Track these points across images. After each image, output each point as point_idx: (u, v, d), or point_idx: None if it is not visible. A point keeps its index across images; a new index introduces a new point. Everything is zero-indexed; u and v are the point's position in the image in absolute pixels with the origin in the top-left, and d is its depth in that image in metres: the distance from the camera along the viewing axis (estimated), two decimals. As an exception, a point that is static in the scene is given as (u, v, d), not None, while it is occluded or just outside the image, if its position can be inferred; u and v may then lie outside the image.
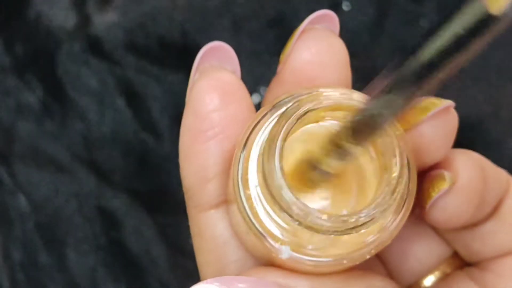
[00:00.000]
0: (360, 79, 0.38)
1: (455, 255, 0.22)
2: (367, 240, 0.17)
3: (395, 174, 0.16)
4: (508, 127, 0.37)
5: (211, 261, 0.20)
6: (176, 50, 0.38)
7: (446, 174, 0.18)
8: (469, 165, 0.19)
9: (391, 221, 0.17)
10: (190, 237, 0.37)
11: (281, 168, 0.16)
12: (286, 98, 0.18)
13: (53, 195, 0.38)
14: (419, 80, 0.13)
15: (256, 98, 0.38)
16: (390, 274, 0.22)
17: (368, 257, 0.17)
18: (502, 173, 0.19)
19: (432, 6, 0.38)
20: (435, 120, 0.18)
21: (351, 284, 0.17)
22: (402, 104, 0.14)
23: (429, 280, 0.21)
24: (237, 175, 0.17)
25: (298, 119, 0.17)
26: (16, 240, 0.38)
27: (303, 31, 0.18)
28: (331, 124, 0.18)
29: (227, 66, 0.20)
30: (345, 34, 0.38)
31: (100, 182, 0.38)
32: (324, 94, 0.17)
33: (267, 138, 0.17)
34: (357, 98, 0.17)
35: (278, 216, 0.17)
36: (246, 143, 0.18)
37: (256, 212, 0.17)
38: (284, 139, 0.16)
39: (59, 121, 0.38)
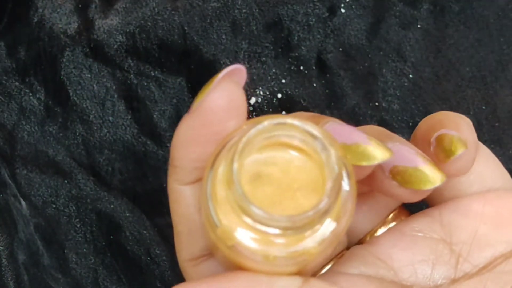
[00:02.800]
0: (356, 81, 0.38)
1: (400, 209, 0.26)
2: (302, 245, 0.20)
3: (330, 185, 0.19)
4: (506, 127, 0.37)
5: (182, 222, 0.24)
6: (177, 53, 0.39)
7: (462, 138, 0.22)
8: (470, 130, 0.23)
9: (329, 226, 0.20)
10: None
11: (239, 184, 0.19)
12: (239, 130, 0.21)
13: (53, 198, 0.38)
14: None
15: (253, 99, 0.38)
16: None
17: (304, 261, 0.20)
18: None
19: (428, 10, 0.38)
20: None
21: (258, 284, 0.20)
22: None
23: (381, 231, 0.25)
24: (206, 191, 0.20)
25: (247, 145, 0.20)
26: (19, 241, 0.38)
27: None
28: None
29: (234, 78, 0.22)
30: (341, 37, 0.38)
31: (100, 185, 0.38)
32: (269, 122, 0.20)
33: (228, 161, 0.20)
34: (305, 126, 0.20)
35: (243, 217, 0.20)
36: (214, 163, 0.21)
37: (218, 215, 0.20)
38: (240, 157, 0.20)
39: (61, 125, 0.39)
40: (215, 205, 0.20)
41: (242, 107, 0.22)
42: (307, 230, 0.19)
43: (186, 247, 0.24)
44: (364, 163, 0.21)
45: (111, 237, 0.38)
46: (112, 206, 0.38)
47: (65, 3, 0.40)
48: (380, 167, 0.22)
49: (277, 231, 0.19)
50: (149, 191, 0.38)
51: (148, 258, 0.37)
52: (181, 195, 0.24)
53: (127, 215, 0.38)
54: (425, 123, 0.25)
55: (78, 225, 0.38)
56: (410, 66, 0.38)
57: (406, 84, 0.38)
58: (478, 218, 0.23)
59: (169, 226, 0.38)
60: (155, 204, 0.38)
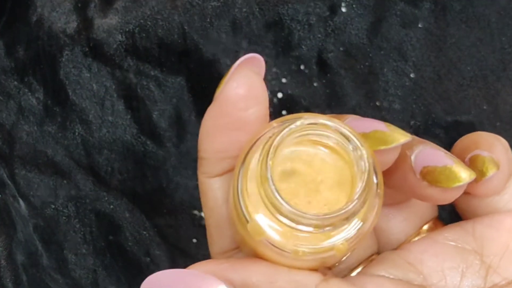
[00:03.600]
0: (357, 81, 0.38)
1: (435, 220, 0.27)
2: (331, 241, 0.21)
3: (362, 184, 0.20)
4: (507, 127, 0.37)
5: (211, 215, 0.24)
6: (176, 53, 0.39)
7: (494, 159, 0.24)
8: (504, 151, 0.24)
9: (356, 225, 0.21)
10: (190, 237, 0.37)
11: (273, 182, 0.20)
12: (269, 128, 0.22)
13: (52, 198, 0.38)
14: None
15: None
16: (378, 237, 0.26)
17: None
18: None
19: (429, 9, 0.38)
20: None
21: (278, 278, 0.21)
22: None
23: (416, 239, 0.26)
24: (237, 187, 0.21)
25: (281, 141, 0.21)
26: (18, 242, 0.38)
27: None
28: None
29: (254, 68, 0.23)
30: (342, 36, 0.38)
31: (99, 185, 0.38)
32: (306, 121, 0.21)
33: (261, 157, 0.20)
34: (335, 124, 0.21)
35: (273, 217, 0.20)
36: (245, 159, 0.21)
37: (249, 211, 0.21)
38: (274, 151, 0.20)
39: (60, 124, 0.39)
40: (245, 200, 0.21)
41: (262, 95, 0.22)
42: (336, 228, 0.20)
43: (216, 240, 0.25)
44: (383, 147, 0.22)
45: (111, 237, 0.38)
46: (111, 207, 0.38)
47: (64, 2, 0.40)
48: (411, 169, 0.23)
49: (308, 228, 0.20)
50: (148, 191, 0.38)
51: (148, 259, 0.37)
52: (209, 188, 0.24)
53: (127, 215, 0.38)
54: (461, 143, 0.26)
55: (78, 226, 0.38)
56: (411, 65, 0.38)
57: (407, 83, 0.37)
58: (510, 233, 0.24)
59: (169, 226, 0.38)
60: (155, 204, 0.38)
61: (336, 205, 0.21)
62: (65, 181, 0.38)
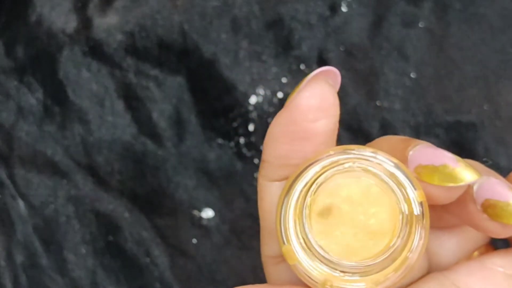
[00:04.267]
0: (358, 80, 0.38)
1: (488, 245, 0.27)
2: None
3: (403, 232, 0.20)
4: (509, 127, 0.37)
5: (266, 218, 0.24)
6: (176, 52, 0.38)
7: None
8: None
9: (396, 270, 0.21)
10: (189, 238, 0.37)
11: (311, 231, 0.20)
12: (325, 154, 0.22)
13: (51, 198, 0.38)
14: None
15: (253, 98, 0.38)
16: (430, 258, 0.26)
17: None
18: None
19: (430, 8, 0.38)
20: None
21: None
22: None
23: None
24: (281, 206, 0.21)
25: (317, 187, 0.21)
26: (18, 242, 0.38)
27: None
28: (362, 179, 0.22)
29: (329, 80, 0.23)
30: (343, 35, 0.38)
31: (99, 186, 0.38)
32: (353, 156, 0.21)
33: (297, 203, 0.21)
34: (386, 161, 0.21)
35: (312, 263, 0.21)
36: (290, 189, 0.21)
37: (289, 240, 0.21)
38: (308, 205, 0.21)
39: (59, 124, 0.39)
40: (286, 223, 0.21)
41: (333, 108, 0.22)
42: (369, 275, 0.20)
43: (268, 243, 0.25)
44: (451, 184, 0.21)
45: (110, 237, 0.38)
46: (111, 207, 0.38)
47: (64, 1, 0.40)
48: (472, 199, 0.23)
49: (335, 272, 0.20)
50: (148, 192, 0.38)
51: (148, 259, 0.37)
52: (267, 191, 0.24)
53: (126, 215, 0.38)
54: None
55: (77, 226, 0.38)
56: (411, 65, 0.37)
57: (408, 83, 0.37)
58: None
59: (169, 226, 0.38)
60: (154, 204, 0.38)
61: (373, 250, 0.21)
62: (64, 181, 0.38)
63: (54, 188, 0.38)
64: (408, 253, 0.21)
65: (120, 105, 0.38)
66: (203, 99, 0.38)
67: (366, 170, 0.21)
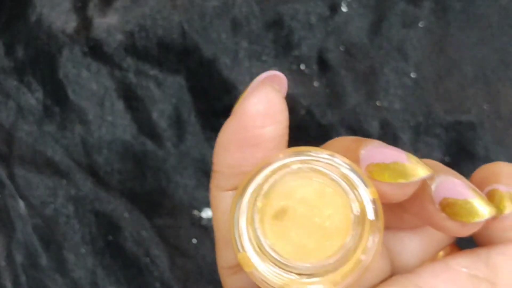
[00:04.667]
0: (357, 80, 0.38)
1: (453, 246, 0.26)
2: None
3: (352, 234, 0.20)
4: (508, 126, 0.37)
5: (219, 228, 0.24)
6: (176, 52, 0.38)
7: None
8: None
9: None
10: (189, 237, 0.37)
11: (265, 237, 0.20)
12: (279, 157, 0.22)
13: (51, 198, 0.38)
14: None
15: (254, 98, 0.38)
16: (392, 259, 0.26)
17: None
18: None
19: (430, 8, 0.38)
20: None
21: None
22: None
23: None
24: (233, 214, 0.21)
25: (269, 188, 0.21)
26: (17, 242, 0.38)
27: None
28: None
29: (276, 86, 0.23)
30: (343, 35, 0.38)
31: (99, 185, 0.38)
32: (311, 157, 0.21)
33: (248, 205, 0.21)
34: (339, 162, 0.21)
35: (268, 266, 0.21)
36: (241, 195, 0.21)
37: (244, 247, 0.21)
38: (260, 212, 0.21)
39: (59, 124, 0.39)
40: (239, 231, 0.21)
41: (281, 114, 0.22)
42: (325, 275, 0.20)
43: (224, 254, 0.24)
44: (402, 181, 0.21)
45: (110, 237, 0.38)
46: (111, 207, 0.38)
47: (64, 2, 0.40)
48: (430, 199, 0.23)
49: (290, 275, 0.20)
50: (148, 192, 0.38)
51: (147, 259, 0.37)
52: (220, 201, 0.24)
53: (126, 215, 0.38)
54: (480, 173, 0.26)
55: (77, 226, 0.38)
56: (411, 65, 0.37)
57: (407, 83, 0.37)
58: None
59: (169, 227, 0.38)
60: (154, 204, 0.38)
61: (330, 250, 0.21)
62: (64, 181, 0.38)
63: (54, 188, 0.38)
64: (362, 254, 0.21)
65: (120, 105, 0.38)
66: (203, 99, 0.38)
67: (316, 171, 0.21)
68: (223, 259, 0.24)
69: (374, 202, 0.21)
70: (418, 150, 0.37)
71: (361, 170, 0.21)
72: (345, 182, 0.21)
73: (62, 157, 0.38)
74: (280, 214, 0.21)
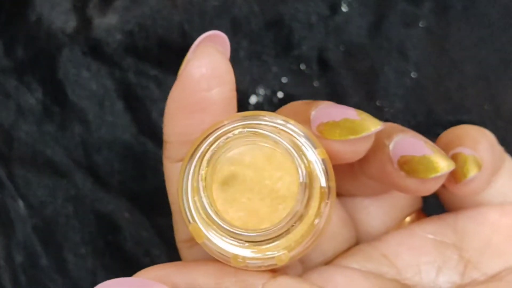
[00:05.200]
0: (358, 80, 0.38)
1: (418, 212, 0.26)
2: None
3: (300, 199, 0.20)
4: (509, 126, 0.37)
5: (174, 201, 0.24)
6: (176, 52, 0.38)
7: (477, 158, 0.22)
8: (489, 149, 0.23)
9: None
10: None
11: (208, 200, 0.20)
12: (227, 122, 0.21)
13: (51, 198, 0.38)
14: None
15: (253, 98, 0.38)
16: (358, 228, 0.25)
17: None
18: (501, 149, 0.24)
19: (430, 8, 0.38)
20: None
21: (225, 279, 0.21)
22: None
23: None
24: (181, 184, 0.21)
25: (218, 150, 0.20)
26: (17, 242, 0.38)
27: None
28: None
29: (219, 48, 0.22)
30: (343, 35, 0.38)
31: (99, 186, 0.38)
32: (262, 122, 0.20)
33: (195, 168, 0.20)
34: (289, 126, 0.20)
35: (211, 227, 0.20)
36: (191, 157, 0.21)
37: (194, 217, 0.21)
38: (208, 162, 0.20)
39: (59, 124, 0.39)
40: (187, 202, 0.20)
41: (226, 75, 0.21)
42: (275, 241, 0.20)
43: (179, 227, 0.24)
44: (352, 137, 0.21)
45: (110, 237, 0.38)
46: (111, 207, 0.38)
47: (63, 1, 0.40)
48: (389, 159, 0.22)
49: (243, 243, 0.20)
50: (148, 192, 0.38)
51: (148, 259, 0.37)
52: (172, 173, 0.23)
53: (126, 215, 0.38)
54: (445, 137, 0.25)
55: (77, 226, 0.38)
56: (412, 65, 0.37)
57: (408, 83, 0.37)
58: (493, 227, 0.23)
59: (169, 227, 0.38)
60: (154, 204, 0.38)
61: (283, 214, 0.20)
62: (64, 181, 0.38)
63: (53, 188, 0.38)
64: (315, 218, 0.20)
65: (120, 105, 0.38)
66: (203, 99, 0.38)
67: (262, 135, 0.20)
68: (180, 232, 0.24)
69: (323, 162, 0.20)
70: (419, 150, 0.37)
71: (311, 132, 0.20)
72: (292, 144, 0.20)
73: (62, 157, 0.38)
74: (229, 180, 0.20)
